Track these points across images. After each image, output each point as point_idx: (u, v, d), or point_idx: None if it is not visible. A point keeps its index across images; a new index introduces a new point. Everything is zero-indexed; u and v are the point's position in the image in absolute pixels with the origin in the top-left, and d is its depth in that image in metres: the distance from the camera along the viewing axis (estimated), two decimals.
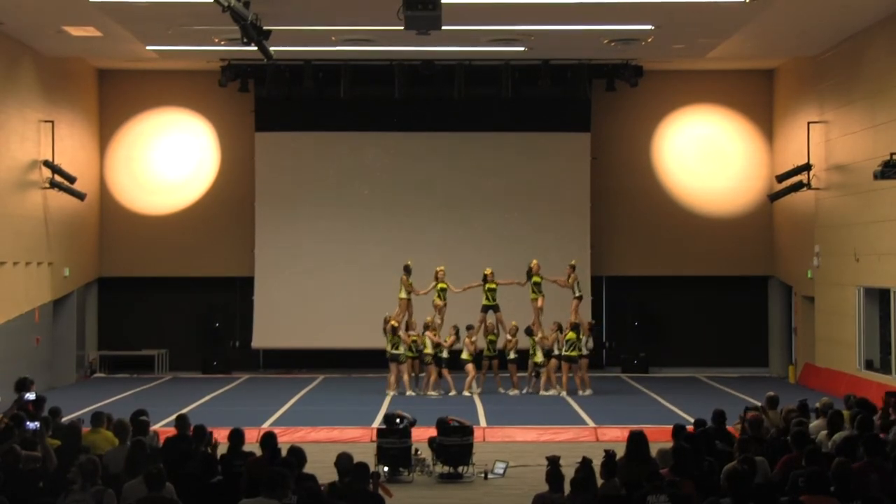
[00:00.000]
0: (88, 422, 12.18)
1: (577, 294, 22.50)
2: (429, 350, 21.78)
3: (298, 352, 26.77)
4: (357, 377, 25.40)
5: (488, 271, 22.59)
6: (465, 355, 22.01)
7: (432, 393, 21.74)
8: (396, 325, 21.65)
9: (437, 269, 22.43)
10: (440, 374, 22.00)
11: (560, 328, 21.73)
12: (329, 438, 17.07)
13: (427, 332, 21.86)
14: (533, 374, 22.22)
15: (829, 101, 23.21)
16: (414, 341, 21.82)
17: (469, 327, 22.12)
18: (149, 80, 26.87)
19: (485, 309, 22.43)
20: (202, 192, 27.11)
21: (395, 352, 21.69)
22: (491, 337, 22.28)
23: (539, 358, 21.99)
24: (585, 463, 9.91)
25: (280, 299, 26.52)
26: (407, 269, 22.50)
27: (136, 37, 21.55)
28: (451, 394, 21.78)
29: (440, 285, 22.24)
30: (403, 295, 22.33)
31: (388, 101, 25.57)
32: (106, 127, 27.00)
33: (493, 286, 22.41)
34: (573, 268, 22.59)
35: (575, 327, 21.67)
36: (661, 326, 27.08)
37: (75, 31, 21.01)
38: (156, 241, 26.88)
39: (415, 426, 15.03)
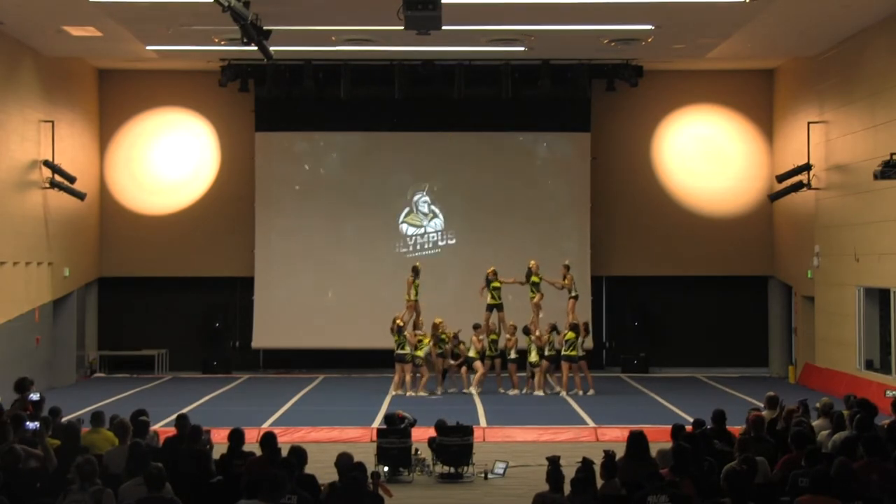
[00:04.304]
0: (88, 422, 12.18)
1: (574, 294, 22.54)
2: (420, 352, 21.75)
3: (298, 352, 26.77)
4: (357, 377, 25.39)
5: (490, 270, 22.62)
6: (472, 353, 22.04)
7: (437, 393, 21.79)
8: (403, 324, 21.63)
9: (436, 320, 21.97)
10: (447, 369, 22.05)
11: (555, 329, 21.75)
12: (329, 438, 17.06)
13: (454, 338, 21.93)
14: (529, 374, 22.22)
15: (829, 101, 23.21)
16: (420, 341, 21.76)
17: (475, 326, 22.17)
18: (149, 80, 26.87)
19: (490, 308, 22.45)
20: (202, 192, 27.11)
21: (400, 352, 21.66)
22: (493, 336, 22.29)
23: (534, 357, 22.02)
24: (586, 463, 9.92)
25: (280, 299, 26.53)
26: (415, 271, 22.48)
27: (136, 37, 21.56)
28: (465, 390, 21.80)
29: (442, 335, 21.99)
30: (411, 297, 22.29)
31: (388, 101, 25.58)
32: (106, 127, 26.99)
33: (498, 285, 22.46)
34: (567, 268, 22.66)
35: (574, 327, 21.67)
36: (661, 326, 27.08)
37: (75, 31, 21.01)
38: (156, 241, 26.87)
39: (415, 426, 15.05)
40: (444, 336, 21.89)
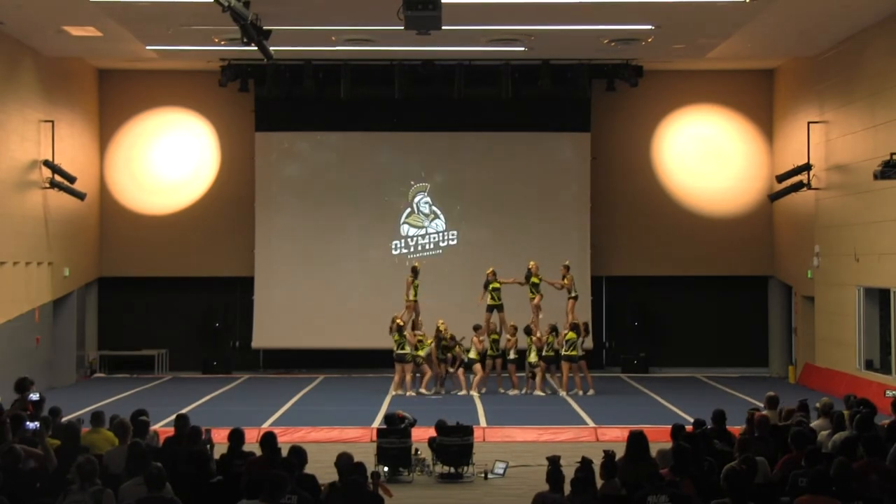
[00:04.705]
0: (88, 422, 12.18)
1: (574, 294, 22.54)
2: (422, 352, 21.76)
3: (298, 352, 26.77)
4: (357, 377, 25.40)
5: (490, 271, 22.62)
6: (472, 355, 22.04)
7: (438, 392, 21.78)
8: (402, 324, 21.65)
9: (439, 323, 22.09)
10: (447, 372, 22.07)
11: (554, 330, 21.75)
12: (329, 438, 17.06)
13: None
14: (529, 374, 22.22)
15: (829, 101, 23.21)
16: (420, 340, 21.78)
17: (476, 327, 22.16)
18: (149, 80, 26.86)
19: (490, 308, 22.45)
20: (202, 192, 27.11)
21: (400, 352, 21.67)
22: (494, 336, 22.29)
23: (533, 358, 22.02)
24: (585, 463, 9.92)
25: (280, 299, 26.53)
26: (414, 271, 22.50)
27: (136, 37, 21.56)
28: (461, 392, 21.80)
29: (443, 343, 22.05)
30: (410, 297, 22.30)
31: (388, 101, 25.57)
32: (106, 127, 26.99)
33: (497, 285, 22.46)
34: (567, 268, 22.66)
35: (574, 327, 21.67)
36: (661, 326, 27.08)
37: (75, 31, 21.01)
38: (156, 241, 26.88)
39: (415, 426, 15.05)
40: (444, 343, 21.86)
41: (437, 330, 21.86)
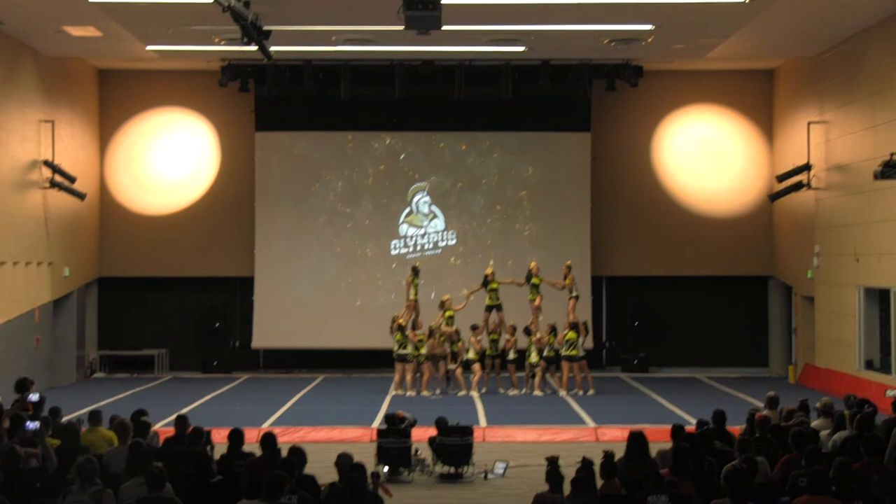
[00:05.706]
0: (87, 421, 12.18)
1: (575, 294, 22.54)
2: (423, 349, 21.79)
3: (298, 352, 26.77)
4: (357, 377, 25.40)
5: (489, 271, 22.64)
6: (471, 355, 22.04)
7: (428, 392, 21.77)
8: (404, 324, 21.65)
9: (443, 297, 22.36)
10: (447, 374, 22.06)
11: (553, 330, 21.75)
12: (329, 438, 17.06)
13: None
14: (529, 374, 22.22)
15: (829, 101, 23.21)
16: (420, 340, 21.80)
17: (474, 327, 22.17)
18: (149, 80, 26.86)
19: (489, 308, 22.46)
20: (202, 192, 27.10)
21: (402, 352, 21.67)
22: (493, 336, 22.29)
23: (533, 358, 22.02)
24: (586, 463, 9.92)
25: (280, 299, 26.53)
26: (415, 271, 22.53)
27: (136, 37, 21.56)
28: (461, 393, 21.80)
29: (448, 313, 22.15)
30: (411, 296, 22.33)
31: (388, 101, 25.57)
32: (106, 127, 27.00)
33: (496, 285, 22.46)
34: (569, 268, 22.66)
35: (574, 326, 21.67)
36: (661, 326, 27.07)
37: (75, 31, 21.02)
38: (156, 241, 26.87)
39: (415, 426, 15.05)
40: (449, 313, 21.86)
41: (441, 304, 21.89)
